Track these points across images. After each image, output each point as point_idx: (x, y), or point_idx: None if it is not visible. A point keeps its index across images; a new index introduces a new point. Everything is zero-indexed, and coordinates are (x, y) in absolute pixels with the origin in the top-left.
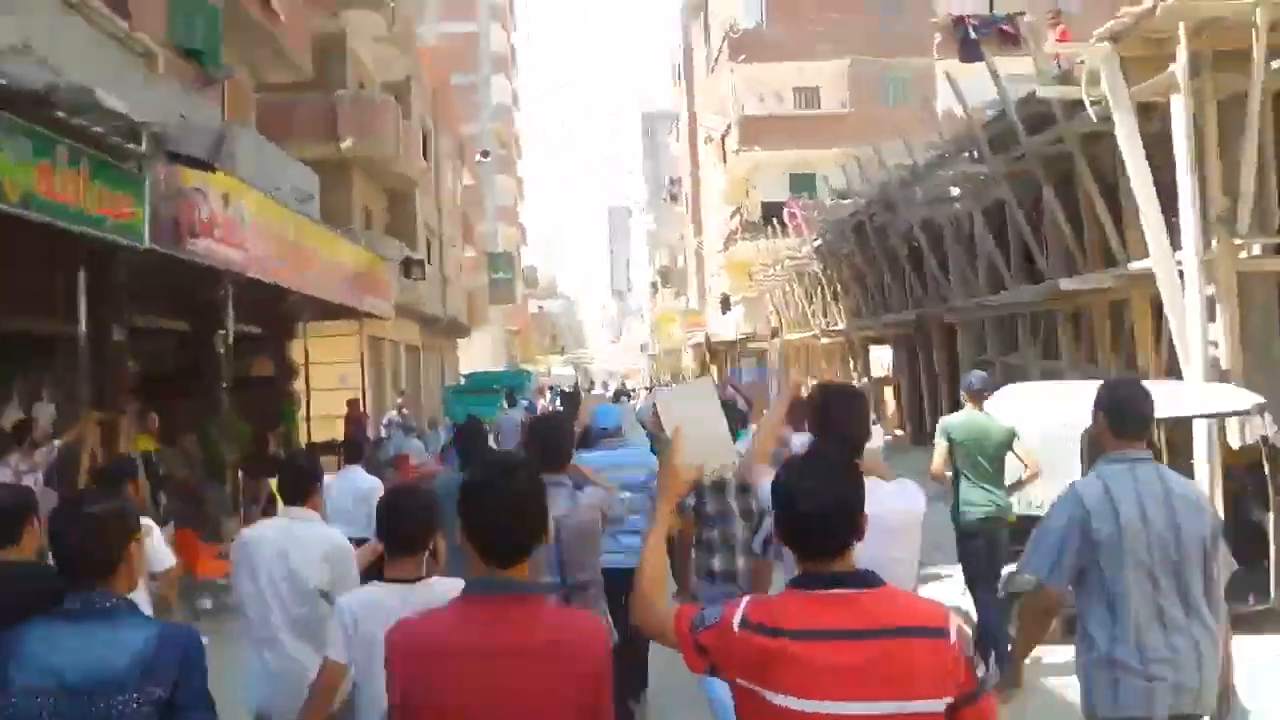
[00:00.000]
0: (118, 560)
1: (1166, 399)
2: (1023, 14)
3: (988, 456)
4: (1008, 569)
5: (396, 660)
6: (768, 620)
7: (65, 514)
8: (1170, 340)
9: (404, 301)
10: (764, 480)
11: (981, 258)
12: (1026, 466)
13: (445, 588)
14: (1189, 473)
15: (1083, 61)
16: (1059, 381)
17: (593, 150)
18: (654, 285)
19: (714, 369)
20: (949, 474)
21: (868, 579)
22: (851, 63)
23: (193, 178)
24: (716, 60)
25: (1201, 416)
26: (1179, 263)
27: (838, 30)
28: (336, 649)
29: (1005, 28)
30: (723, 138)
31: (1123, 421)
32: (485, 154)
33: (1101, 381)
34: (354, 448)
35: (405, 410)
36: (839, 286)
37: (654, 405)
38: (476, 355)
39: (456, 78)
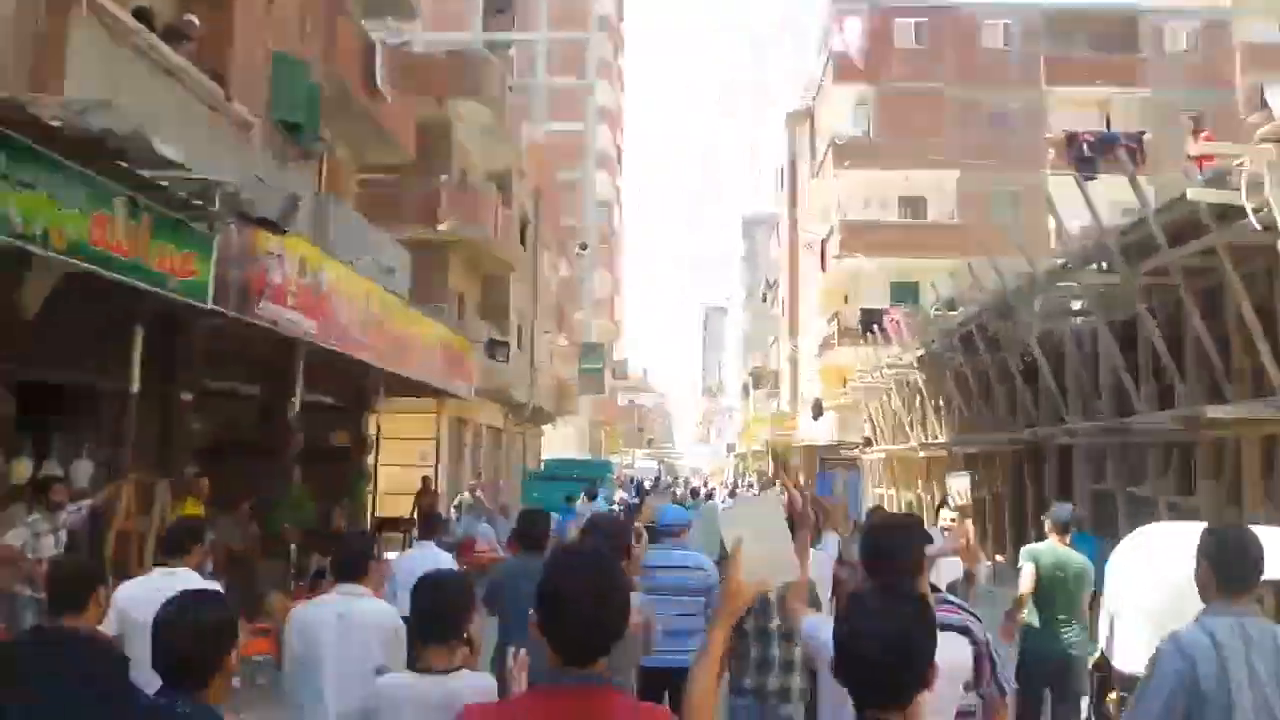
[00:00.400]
0: (214, 671)
1: None
2: (1143, 133)
3: (1066, 592)
4: None
5: None
6: None
7: (174, 615)
8: None
9: (489, 384)
10: (806, 619)
11: (1105, 377)
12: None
13: (475, 682)
14: None
15: (1241, 163)
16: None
17: (692, 250)
18: (746, 386)
19: (799, 474)
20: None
21: None
22: (960, 174)
23: (268, 241)
24: (821, 166)
25: None
26: None
27: (946, 141)
28: None
29: (1124, 145)
30: (823, 243)
31: (1229, 572)
32: (584, 246)
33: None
34: (430, 522)
35: (479, 493)
36: (941, 399)
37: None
38: (563, 442)
39: (562, 173)
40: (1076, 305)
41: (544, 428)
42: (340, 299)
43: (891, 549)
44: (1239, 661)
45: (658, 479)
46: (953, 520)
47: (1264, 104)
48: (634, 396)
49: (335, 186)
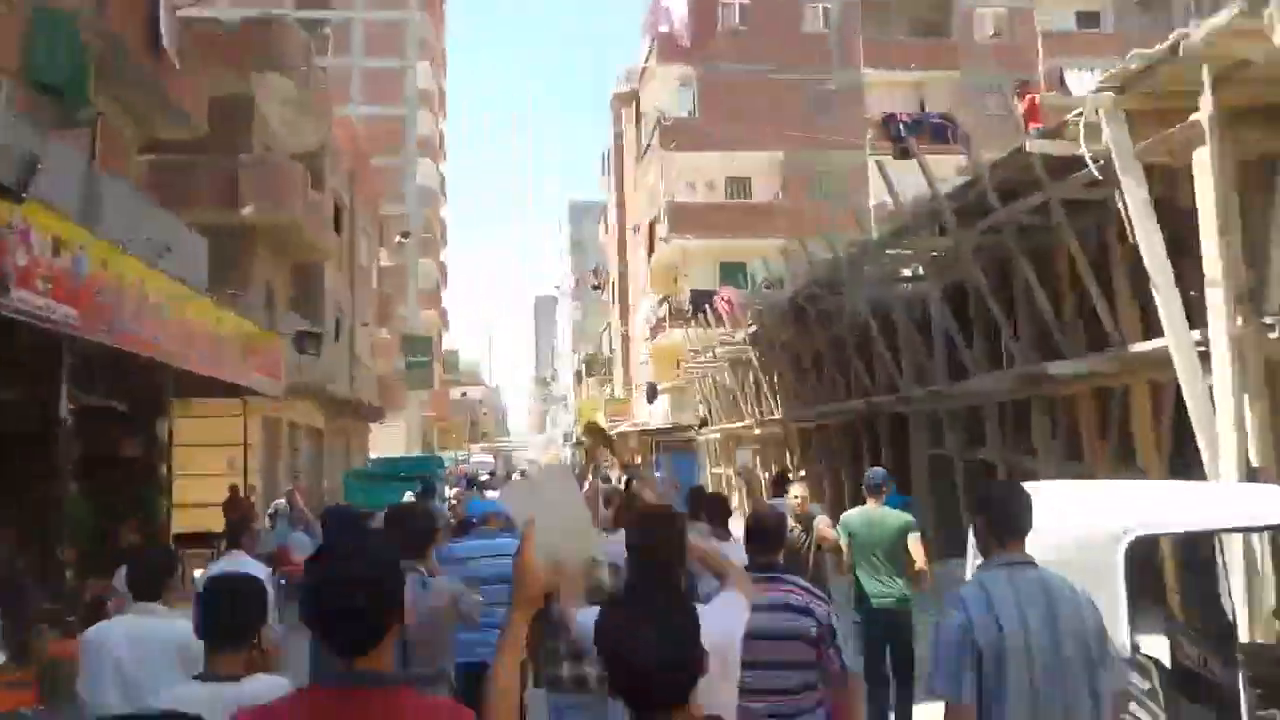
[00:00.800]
0: None
1: (1205, 505)
2: (951, 118)
3: (884, 549)
4: None
5: None
6: None
7: None
8: (1170, 434)
9: (304, 381)
10: (579, 614)
11: (938, 342)
12: (916, 561)
13: (264, 686)
14: (1215, 603)
15: (1079, 114)
16: (1088, 481)
17: (522, 241)
18: (578, 374)
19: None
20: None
21: None
22: (784, 155)
23: (9, 214)
24: (647, 148)
25: (1251, 530)
26: (1200, 344)
27: (770, 122)
28: None
29: (936, 121)
30: (651, 225)
31: (1003, 525)
32: (406, 234)
33: (1140, 479)
34: (238, 530)
35: (296, 498)
36: (776, 375)
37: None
38: (391, 441)
39: (381, 159)
40: (908, 271)
41: (371, 426)
42: (109, 285)
43: (655, 543)
44: (1010, 609)
45: (492, 473)
46: (799, 498)
47: (1063, 84)
48: (466, 390)
49: (113, 162)
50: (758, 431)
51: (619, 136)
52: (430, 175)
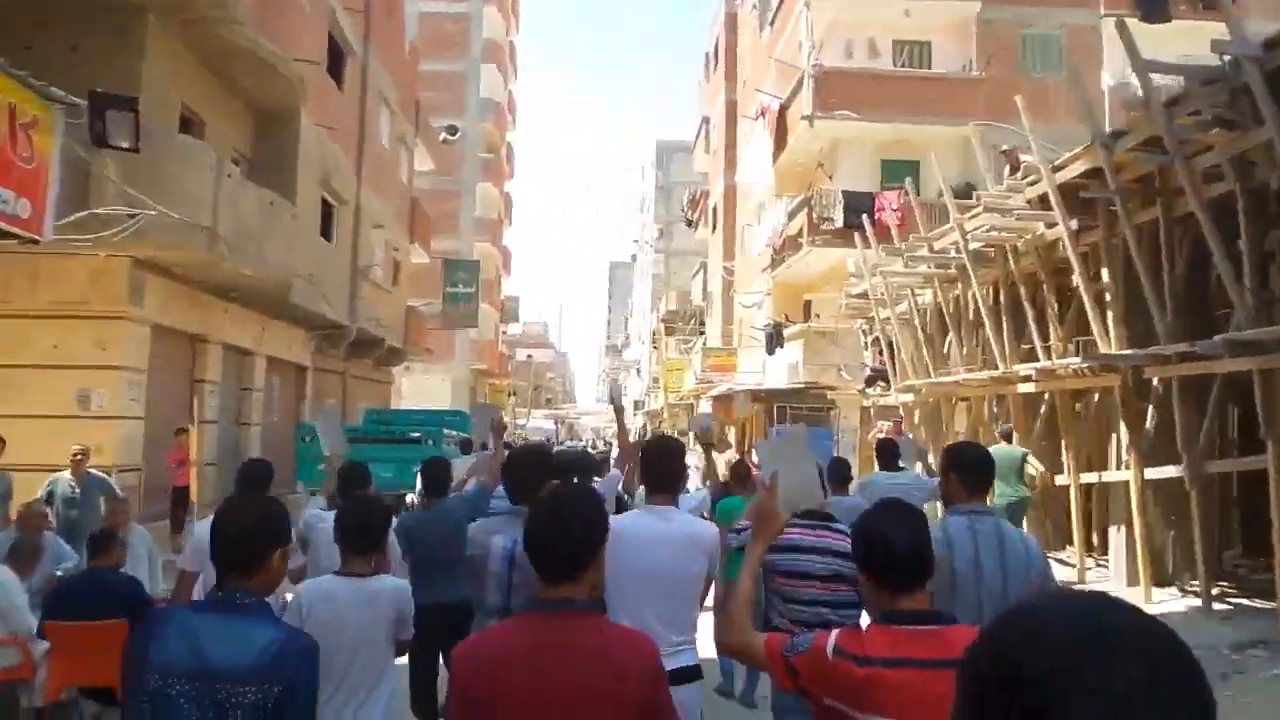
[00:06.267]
0: (264, 563)
1: None
2: None
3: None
4: None
5: (454, 674)
6: (859, 650)
7: (231, 510)
8: None
9: (214, 260)
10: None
11: None
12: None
13: (389, 583)
14: None
15: None
16: None
17: (602, 208)
18: (655, 333)
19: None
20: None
21: (943, 618)
22: (981, 9)
23: None
24: (780, 2)
25: None
26: None
27: None
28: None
29: None
30: (783, 108)
31: (972, 481)
32: (453, 130)
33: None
34: None
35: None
36: (1110, 263)
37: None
38: (429, 395)
39: (441, 65)
40: None
41: (396, 373)
42: None
43: (669, 472)
44: (966, 549)
45: (545, 441)
46: None
47: None
48: (531, 353)
49: None
50: (1022, 389)
51: (731, 19)
52: (496, 88)
